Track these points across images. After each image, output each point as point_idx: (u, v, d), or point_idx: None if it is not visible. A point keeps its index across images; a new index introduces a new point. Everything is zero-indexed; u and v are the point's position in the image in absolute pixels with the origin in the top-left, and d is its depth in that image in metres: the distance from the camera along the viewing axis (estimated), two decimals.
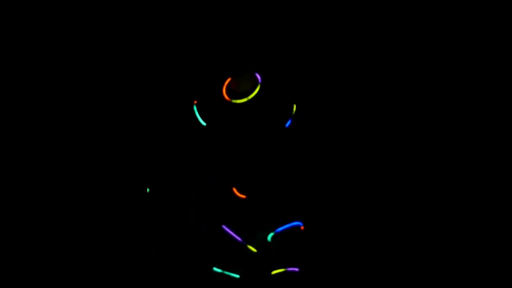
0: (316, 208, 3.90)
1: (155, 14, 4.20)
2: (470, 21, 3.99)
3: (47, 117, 4.17)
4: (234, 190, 3.41)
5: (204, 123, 3.49)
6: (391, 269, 3.91)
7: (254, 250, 3.35)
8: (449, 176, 3.98)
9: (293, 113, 3.39)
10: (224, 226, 3.40)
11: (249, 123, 3.38)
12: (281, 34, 4.06)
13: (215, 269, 3.40)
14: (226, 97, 3.47)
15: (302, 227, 3.37)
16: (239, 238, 3.37)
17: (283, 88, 3.44)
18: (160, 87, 4.22)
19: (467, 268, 3.85)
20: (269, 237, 3.33)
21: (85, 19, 4.19)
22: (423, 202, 3.99)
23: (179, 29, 4.19)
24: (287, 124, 3.39)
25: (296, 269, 3.35)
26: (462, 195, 3.95)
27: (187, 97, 3.85)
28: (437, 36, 4.03)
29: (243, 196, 3.39)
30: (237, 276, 3.36)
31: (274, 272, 3.32)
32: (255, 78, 3.45)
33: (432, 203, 3.98)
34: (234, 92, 3.46)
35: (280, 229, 3.34)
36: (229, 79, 3.50)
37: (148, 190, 3.57)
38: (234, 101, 3.44)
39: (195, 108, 3.55)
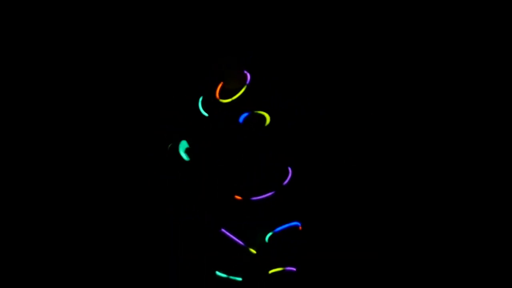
0: (316, 208, 3.92)
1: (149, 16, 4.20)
2: (470, 21, 3.99)
3: (46, 118, 4.17)
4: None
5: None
6: (391, 268, 3.92)
7: (254, 251, 3.30)
8: (446, 177, 3.98)
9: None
10: (223, 230, 3.36)
11: (236, 122, 3.31)
12: (282, 35, 4.05)
13: (218, 273, 3.36)
14: (217, 97, 3.43)
15: (300, 227, 3.34)
16: (239, 241, 3.33)
17: (272, 88, 3.38)
18: (155, 87, 4.22)
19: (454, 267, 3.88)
20: (267, 237, 3.30)
21: (77, 22, 4.19)
22: (423, 201, 4.00)
23: (173, 31, 4.19)
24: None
25: (294, 269, 3.31)
26: (452, 198, 3.95)
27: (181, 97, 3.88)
28: (436, 36, 4.02)
29: (239, 198, 3.35)
30: (239, 279, 3.32)
31: (271, 271, 3.29)
32: (244, 77, 3.40)
33: (432, 202, 3.98)
34: (226, 91, 3.41)
35: (278, 229, 3.31)
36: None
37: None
38: (221, 100, 3.41)
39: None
